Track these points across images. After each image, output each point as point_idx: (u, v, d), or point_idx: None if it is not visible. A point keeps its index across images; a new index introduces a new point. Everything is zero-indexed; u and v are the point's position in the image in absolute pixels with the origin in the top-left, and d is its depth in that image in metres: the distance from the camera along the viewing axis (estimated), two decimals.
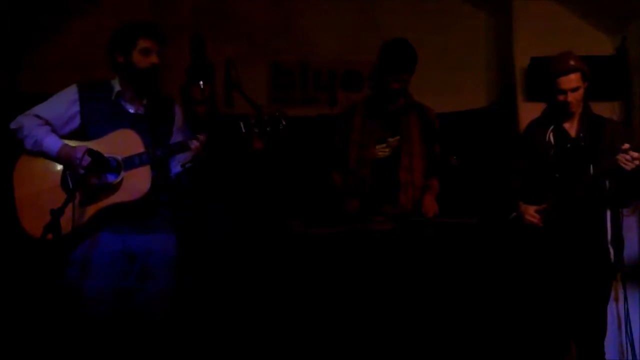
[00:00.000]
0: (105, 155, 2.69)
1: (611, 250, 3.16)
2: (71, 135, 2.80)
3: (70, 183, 2.70)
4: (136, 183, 2.70)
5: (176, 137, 2.92)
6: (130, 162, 2.71)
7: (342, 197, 3.39)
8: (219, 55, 2.98)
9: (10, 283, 3.88)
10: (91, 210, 2.68)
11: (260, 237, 4.11)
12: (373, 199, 3.31)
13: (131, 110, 2.86)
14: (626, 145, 2.92)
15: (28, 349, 3.68)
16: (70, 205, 2.53)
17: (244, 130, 2.77)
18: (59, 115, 2.78)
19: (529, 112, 3.88)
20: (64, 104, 2.80)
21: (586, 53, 3.85)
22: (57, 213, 2.43)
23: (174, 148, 2.80)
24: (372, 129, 3.41)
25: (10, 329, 3.79)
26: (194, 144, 2.75)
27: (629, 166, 2.91)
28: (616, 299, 3.97)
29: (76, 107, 2.80)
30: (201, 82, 2.73)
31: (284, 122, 2.78)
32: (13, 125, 2.78)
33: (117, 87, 2.84)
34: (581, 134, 3.18)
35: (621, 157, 2.91)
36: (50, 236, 2.42)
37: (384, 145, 3.34)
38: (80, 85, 2.83)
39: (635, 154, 2.90)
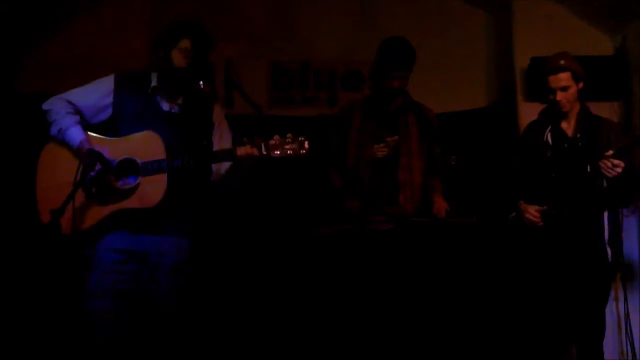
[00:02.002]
0: (125, 156, 2.68)
1: (609, 251, 3.15)
2: (101, 125, 2.78)
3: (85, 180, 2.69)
4: (150, 191, 2.66)
5: (213, 143, 2.85)
6: (149, 168, 2.67)
7: (342, 197, 3.39)
8: (219, 55, 2.97)
9: (25, 277, 3.90)
10: (105, 210, 2.67)
11: (261, 237, 4.11)
12: (372, 199, 3.30)
13: (165, 108, 2.82)
14: (609, 152, 2.91)
15: (36, 345, 3.71)
16: (78, 205, 2.54)
17: (264, 152, 2.69)
18: (91, 104, 2.77)
19: (529, 112, 3.88)
20: (98, 94, 2.78)
21: (586, 53, 3.87)
22: (56, 213, 2.43)
23: (195, 160, 2.71)
24: (371, 129, 3.40)
25: (21, 322, 3.81)
26: (240, 150, 2.70)
27: (610, 174, 2.90)
28: (616, 299, 3.97)
29: (109, 99, 2.78)
30: (201, 82, 2.72)
31: (307, 146, 2.69)
32: (45, 107, 2.78)
33: (154, 82, 2.80)
34: (578, 134, 3.19)
35: (603, 164, 2.91)
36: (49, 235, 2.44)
37: (382, 145, 3.34)
38: (117, 76, 2.81)
39: (617, 162, 2.89)
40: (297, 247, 3.51)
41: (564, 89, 3.13)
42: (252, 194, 4.20)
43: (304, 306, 3.71)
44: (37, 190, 2.73)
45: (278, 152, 2.69)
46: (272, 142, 2.69)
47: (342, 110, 3.64)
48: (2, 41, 4.25)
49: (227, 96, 3.10)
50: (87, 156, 2.61)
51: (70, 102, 2.77)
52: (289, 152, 2.68)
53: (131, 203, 2.67)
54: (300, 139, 2.70)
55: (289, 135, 2.70)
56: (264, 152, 2.69)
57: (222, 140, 2.88)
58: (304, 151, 2.69)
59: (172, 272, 2.73)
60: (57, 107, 2.76)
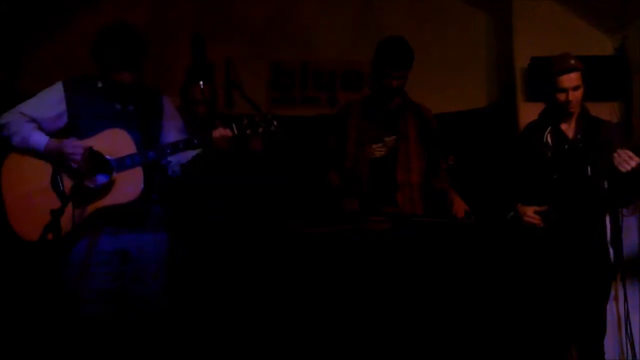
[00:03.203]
0: None
1: (611, 251, 3.16)
2: (59, 133, 2.76)
3: (60, 184, 2.69)
4: (128, 185, 2.67)
5: (167, 131, 2.88)
6: (122, 163, 2.68)
7: (340, 197, 3.38)
8: (219, 55, 2.97)
9: (7, 285, 3.87)
10: (85, 211, 2.67)
11: (259, 237, 4.11)
12: (370, 199, 3.30)
13: (118, 107, 2.82)
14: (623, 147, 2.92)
15: (26, 350, 3.69)
16: (69, 205, 2.53)
17: (236, 132, 2.75)
18: (44, 114, 2.75)
19: (529, 112, 3.88)
20: (49, 103, 2.77)
21: (586, 53, 3.86)
22: (57, 213, 2.43)
23: (169, 148, 2.75)
24: (369, 129, 3.39)
25: (7, 331, 3.79)
26: (215, 133, 2.74)
27: (623, 167, 2.91)
28: (616, 299, 3.97)
29: (62, 106, 2.76)
30: (201, 82, 2.73)
31: (275, 123, 2.75)
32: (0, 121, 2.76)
33: (99, 85, 2.80)
34: (578, 135, 3.19)
35: (618, 155, 2.91)
36: (50, 236, 2.42)
37: (380, 144, 3.34)
38: (65, 82, 2.80)
39: (631, 154, 2.89)
40: (295, 246, 3.50)
41: (576, 88, 3.12)
42: (249, 193, 4.20)
43: (300, 305, 3.70)
44: (5, 202, 2.71)
45: (249, 131, 2.75)
46: (242, 122, 2.75)
47: (340, 110, 3.64)
48: (3, 41, 4.25)
49: (227, 96, 3.11)
50: (88, 155, 2.61)
51: (24, 114, 2.75)
52: (259, 129, 2.75)
53: (109, 200, 2.68)
54: (268, 116, 2.76)
55: (256, 114, 2.76)
56: (236, 132, 2.74)
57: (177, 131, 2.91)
58: (274, 127, 2.75)
59: (154, 268, 2.77)
60: (13, 119, 2.74)
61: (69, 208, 2.60)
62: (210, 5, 4.64)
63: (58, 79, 2.89)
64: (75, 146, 2.65)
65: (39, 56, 4.44)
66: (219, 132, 2.75)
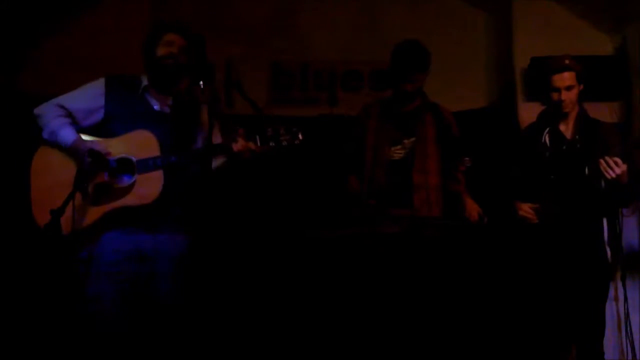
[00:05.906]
0: (120, 156, 2.69)
1: (608, 251, 3.16)
2: (94, 128, 2.79)
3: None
4: (147, 188, 2.68)
5: (199, 144, 2.88)
6: (145, 165, 2.69)
7: (361, 202, 3.35)
8: (219, 55, 2.98)
9: (22, 279, 3.89)
10: (101, 210, 2.67)
11: (268, 239, 4.11)
12: (385, 201, 3.27)
13: (156, 107, 2.84)
14: (612, 153, 2.92)
15: (37, 348, 3.70)
16: (76, 205, 2.54)
17: (259, 144, 2.76)
18: (82, 107, 2.78)
19: (529, 112, 3.88)
20: (88, 97, 2.79)
21: (586, 53, 3.87)
22: (57, 212, 2.43)
23: (191, 155, 2.77)
24: (387, 131, 3.37)
25: (19, 325, 3.80)
26: (237, 145, 2.75)
27: (609, 174, 2.91)
28: (616, 299, 3.97)
29: (101, 101, 2.78)
30: (201, 83, 2.73)
31: (300, 137, 2.77)
32: (36, 111, 2.79)
33: (144, 82, 2.84)
34: (576, 136, 3.19)
35: (602, 163, 2.92)
36: (50, 235, 2.44)
37: (399, 147, 3.31)
38: (108, 78, 2.83)
39: (618, 160, 2.89)
40: (307, 249, 3.50)
41: (569, 88, 3.13)
42: (259, 196, 4.20)
43: (311, 308, 3.70)
44: (31, 194, 2.73)
45: (273, 144, 2.77)
46: (267, 134, 2.77)
47: (358, 114, 3.58)
48: (4, 40, 4.25)
49: (227, 96, 3.12)
50: (89, 156, 2.61)
51: (61, 106, 2.77)
52: (283, 142, 2.77)
53: (128, 201, 2.68)
54: (293, 129, 2.78)
55: (281, 127, 2.77)
56: (259, 144, 2.77)
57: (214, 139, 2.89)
58: (298, 141, 2.77)
59: (170, 269, 2.74)
60: (47, 111, 2.76)
61: (86, 206, 2.63)
62: (210, 6, 4.64)
63: (59, 79, 2.90)
64: (85, 152, 2.65)
65: (40, 56, 4.44)
66: (241, 145, 2.76)
